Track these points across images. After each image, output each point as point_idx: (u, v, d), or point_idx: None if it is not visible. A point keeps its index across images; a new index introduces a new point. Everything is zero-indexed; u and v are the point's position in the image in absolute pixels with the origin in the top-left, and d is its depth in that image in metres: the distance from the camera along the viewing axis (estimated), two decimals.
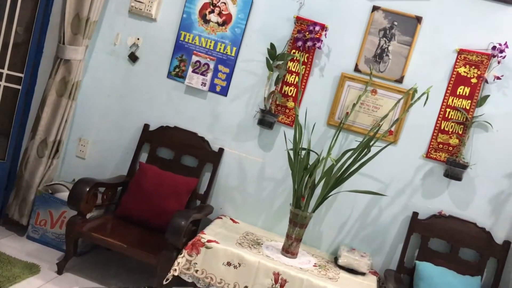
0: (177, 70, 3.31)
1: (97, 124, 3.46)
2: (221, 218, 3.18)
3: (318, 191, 2.87)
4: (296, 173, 2.83)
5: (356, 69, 3.07)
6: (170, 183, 3.10)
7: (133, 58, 3.36)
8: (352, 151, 2.84)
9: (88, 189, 2.85)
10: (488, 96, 2.90)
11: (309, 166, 2.84)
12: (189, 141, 3.27)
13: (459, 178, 2.90)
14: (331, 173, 2.80)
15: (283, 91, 3.18)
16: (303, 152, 2.89)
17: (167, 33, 3.32)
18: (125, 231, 2.95)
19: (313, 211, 2.85)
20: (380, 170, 3.06)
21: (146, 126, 3.34)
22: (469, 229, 2.94)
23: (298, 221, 2.81)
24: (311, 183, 2.80)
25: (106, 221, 3.03)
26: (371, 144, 2.79)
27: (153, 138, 3.32)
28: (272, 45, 3.09)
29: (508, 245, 2.91)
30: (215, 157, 3.25)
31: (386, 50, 3.03)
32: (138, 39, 3.36)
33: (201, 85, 3.26)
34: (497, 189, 2.96)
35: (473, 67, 2.93)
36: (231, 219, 3.23)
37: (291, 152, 2.89)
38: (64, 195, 3.07)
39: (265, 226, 3.25)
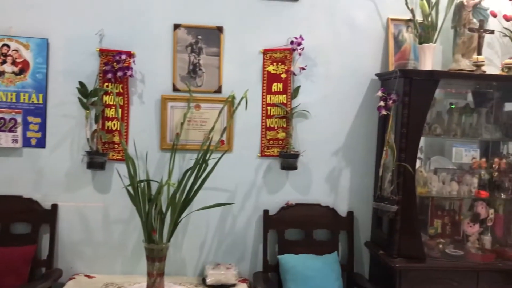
0: None
1: None
2: (74, 278, 2.91)
3: (168, 219, 2.78)
4: (141, 208, 2.71)
5: (175, 89, 3.06)
6: (3, 259, 2.74)
7: None
8: (191, 170, 2.81)
9: None
10: (299, 86, 3.11)
11: (152, 196, 2.74)
12: (15, 207, 2.92)
13: (294, 167, 3.07)
14: (176, 198, 2.73)
15: (106, 127, 3.02)
16: (143, 184, 2.78)
17: None
18: None
19: (168, 240, 2.76)
20: (223, 180, 3.09)
21: None
22: (315, 211, 3.13)
23: (156, 256, 2.68)
24: (159, 213, 2.71)
25: None
26: (207, 158, 2.80)
27: None
28: (81, 83, 2.92)
29: (352, 215, 3.17)
30: (50, 215, 2.96)
31: (198, 64, 3.06)
32: None
33: (13, 142, 2.94)
34: (329, 168, 3.20)
35: (280, 63, 3.12)
36: (85, 275, 2.97)
37: (130, 188, 2.75)
38: None
39: (124, 271, 3.06)
